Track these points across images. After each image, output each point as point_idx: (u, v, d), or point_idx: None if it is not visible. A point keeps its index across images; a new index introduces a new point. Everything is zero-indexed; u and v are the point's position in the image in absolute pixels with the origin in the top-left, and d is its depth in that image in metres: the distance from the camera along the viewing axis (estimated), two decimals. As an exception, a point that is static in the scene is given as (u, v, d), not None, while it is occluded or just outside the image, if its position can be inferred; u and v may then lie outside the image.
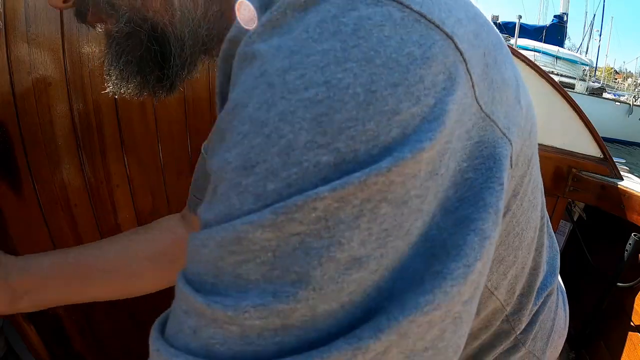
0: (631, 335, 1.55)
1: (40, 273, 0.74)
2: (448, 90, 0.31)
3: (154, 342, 0.35)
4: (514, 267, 0.51)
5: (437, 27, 0.31)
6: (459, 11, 0.34)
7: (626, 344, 1.56)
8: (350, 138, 0.27)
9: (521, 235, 0.49)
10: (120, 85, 0.54)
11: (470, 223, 0.32)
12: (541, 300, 0.62)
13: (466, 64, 0.33)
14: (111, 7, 0.46)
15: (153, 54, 0.50)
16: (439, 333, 0.31)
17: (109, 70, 0.52)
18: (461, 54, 0.32)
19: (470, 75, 0.33)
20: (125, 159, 1.42)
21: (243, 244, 0.27)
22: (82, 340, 1.40)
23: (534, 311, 0.61)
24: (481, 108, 0.35)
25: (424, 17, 0.30)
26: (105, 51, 0.51)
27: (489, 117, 0.36)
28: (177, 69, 0.51)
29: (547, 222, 0.64)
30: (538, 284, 0.59)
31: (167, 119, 1.57)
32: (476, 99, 0.34)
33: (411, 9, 0.30)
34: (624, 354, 1.56)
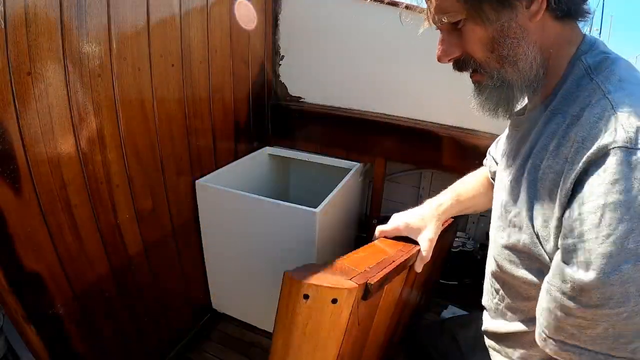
0: None
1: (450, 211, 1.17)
2: None
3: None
4: None
5: None
6: None
7: None
8: None
9: None
10: (480, 109, 0.89)
11: None
12: None
13: None
14: (486, 72, 0.82)
15: (504, 96, 0.84)
16: None
17: (478, 99, 0.88)
18: None
19: None
20: (126, 159, 1.42)
21: None
22: (82, 341, 1.40)
23: None
24: None
25: None
26: (477, 91, 0.87)
27: None
28: (516, 102, 0.85)
29: None
30: None
31: (167, 119, 1.57)
32: None
33: None
34: None
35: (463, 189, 1.23)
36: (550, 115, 0.79)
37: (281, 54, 2.28)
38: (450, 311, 2.08)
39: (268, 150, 2.39)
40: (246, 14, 1.95)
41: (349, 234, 2.32)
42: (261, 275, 1.94)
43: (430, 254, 1.05)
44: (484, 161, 1.29)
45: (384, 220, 2.51)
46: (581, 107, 0.72)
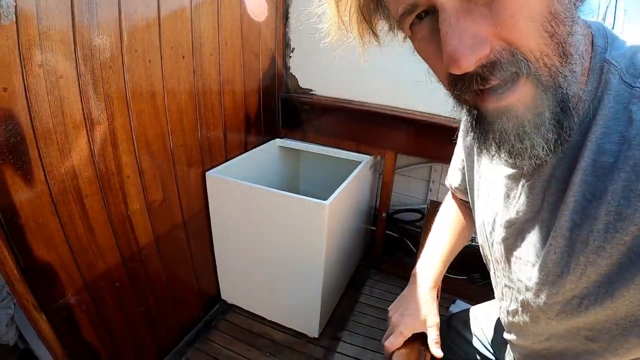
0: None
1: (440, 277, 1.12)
2: None
3: None
4: None
5: None
6: None
7: None
8: None
9: None
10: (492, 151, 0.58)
11: None
12: None
13: None
14: (541, 79, 0.48)
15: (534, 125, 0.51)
16: None
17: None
18: None
19: None
20: (136, 151, 1.43)
21: None
22: (93, 330, 1.43)
23: None
24: None
25: None
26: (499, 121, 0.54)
27: None
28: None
29: None
30: None
31: (177, 110, 1.58)
32: None
33: None
34: None
35: (446, 246, 1.15)
36: (597, 149, 0.54)
37: (292, 46, 2.28)
38: (459, 306, 2.08)
39: (278, 142, 2.39)
40: (257, 6, 1.94)
41: (358, 227, 2.32)
42: (270, 267, 1.96)
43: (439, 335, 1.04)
44: (449, 192, 1.22)
45: (393, 214, 2.51)
46: None
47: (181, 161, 1.68)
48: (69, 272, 1.27)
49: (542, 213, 0.64)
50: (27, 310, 1.17)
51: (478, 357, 1.24)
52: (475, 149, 0.87)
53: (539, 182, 0.63)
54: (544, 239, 0.64)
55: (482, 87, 0.49)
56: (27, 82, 1.01)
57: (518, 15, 0.44)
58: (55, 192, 1.17)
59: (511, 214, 0.71)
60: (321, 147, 2.33)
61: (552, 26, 0.45)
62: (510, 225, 0.72)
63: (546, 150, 0.52)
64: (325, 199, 1.64)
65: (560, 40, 0.46)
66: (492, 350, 1.21)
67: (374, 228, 2.53)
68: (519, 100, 0.49)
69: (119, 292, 1.50)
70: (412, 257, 2.54)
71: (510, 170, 0.69)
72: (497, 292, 0.90)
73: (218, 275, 2.19)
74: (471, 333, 1.27)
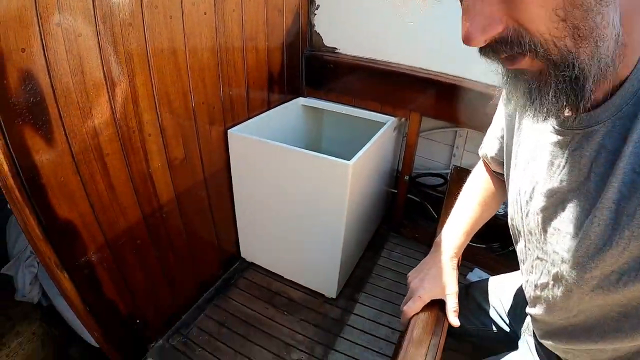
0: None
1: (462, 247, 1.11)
2: None
3: None
4: None
5: None
6: None
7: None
8: None
9: None
10: (519, 109, 0.62)
11: None
12: None
13: None
14: (548, 57, 0.51)
15: (564, 94, 0.54)
16: None
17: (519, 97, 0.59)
18: None
19: None
20: (157, 109, 1.42)
21: None
22: (114, 287, 1.46)
23: None
24: None
25: None
26: (516, 83, 0.59)
27: None
28: (584, 103, 0.55)
29: None
30: None
31: (199, 67, 1.55)
32: None
33: None
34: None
35: (473, 217, 1.13)
36: None
37: (316, 3, 2.19)
38: (476, 274, 2.07)
39: (301, 101, 2.35)
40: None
41: (380, 189, 2.30)
42: (290, 226, 1.97)
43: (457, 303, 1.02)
44: (480, 162, 1.20)
45: (415, 178, 2.48)
46: None
47: (203, 119, 1.67)
48: (91, 230, 1.30)
49: (587, 183, 0.63)
50: (49, 268, 1.20)
51: (494, 329, 1.24)
52: (517, 116, 0.85)
53: (588, 151, 0.63)
54: (588, 210, 0.63)
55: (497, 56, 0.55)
56: (45, 41, 0.99)
57: (528, 1, 0.47)
58: (76, 151, 1.17)
59: (554, 182, 0.70)
60: (345, 107, 2.28)
61: (564, 11, 0.46)
62: (552, 194, 0.71)
63: (555, 112, 0.56)
64: (348, 159, 1.62)
65: (575, 24, 0.47)
66: (508, 322, 1.20)
67: (396, 191, 2.50)
68: (527, 65, 0.54)
69: (139, 249, 1.53)
70: (432, 222, 2.53)
71: (557, 138, 0.68)
72: (525, 265, 0.89)
73: (238, 233, 2.21)
74: (489, 304, 1.27)
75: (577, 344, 0.79)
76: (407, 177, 2.37)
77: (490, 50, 0.55)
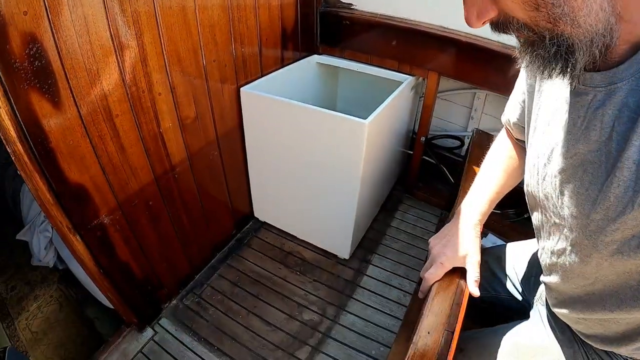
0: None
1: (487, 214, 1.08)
2: None
3: None
4: None
5: None
6: None
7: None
8: None
9: None
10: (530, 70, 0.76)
11: None
12: None
13: None
14: (534, 34, 0.58)
15: (562, 60, 0.60)
16: None
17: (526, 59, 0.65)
18: None
19: None
20: (167, 67, 1.39)
21: None
22: (127, 249, 1.48)
23: None
24: None
25: None
26: (523, 50, 0.64)
27: None
28: (579, 66, 0.60)
29: None
30: None
31: (209, 24, 1.51)
32: None
33: None
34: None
35: (497, 184, 1.10)
36: None
37: (333, -43, 2.11)
38: (490, 240, 2.04)
39: (316, 58, 2.29)
40: None
41: (395, 150, 2.27)
42: (304, 186, 1.95)
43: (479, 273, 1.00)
44: (504, 129, 1.16)
45: (431, 140, 2.44)
46: None
47: (214, 77, 1.63)
48: (102, 192, 1.30)
49: (609, 143, 0.61)
50: (62, 232, 1.21)
51: (506, 296, 1.23)
52: (537, 79, 0.83)
53: (610, 109, 0.61)
54: (609, 171, 0.61)
55: None
56: (48, 3, 0.96)
57: None
58: (84, 114, 1.15)
59: (574, 143, 0.68)
60: (361, 65, 2.22)
61: (536, 1, 0.53)
62: (571, 155, 0.69)
63: (563, 76, 0.60)
64: (363, 118, 1.58)
65: (548, 9, 0.53)
66: (521, 291, 1.19)
67: (411, 152, 2.46)
68: (524, 37, 0.61)
69: (152, 210, 1.53)
70: (447, 185, 2.50)
71: (578, 97, 0.67)
72: (541, 232, 0.87)
73: (251, 193, 2.21)
74: (502, 270, 1.25)
75: (591, 313, 0.78)
76: (423, 139, 2.33)
77: (494, 28, 0.63)
